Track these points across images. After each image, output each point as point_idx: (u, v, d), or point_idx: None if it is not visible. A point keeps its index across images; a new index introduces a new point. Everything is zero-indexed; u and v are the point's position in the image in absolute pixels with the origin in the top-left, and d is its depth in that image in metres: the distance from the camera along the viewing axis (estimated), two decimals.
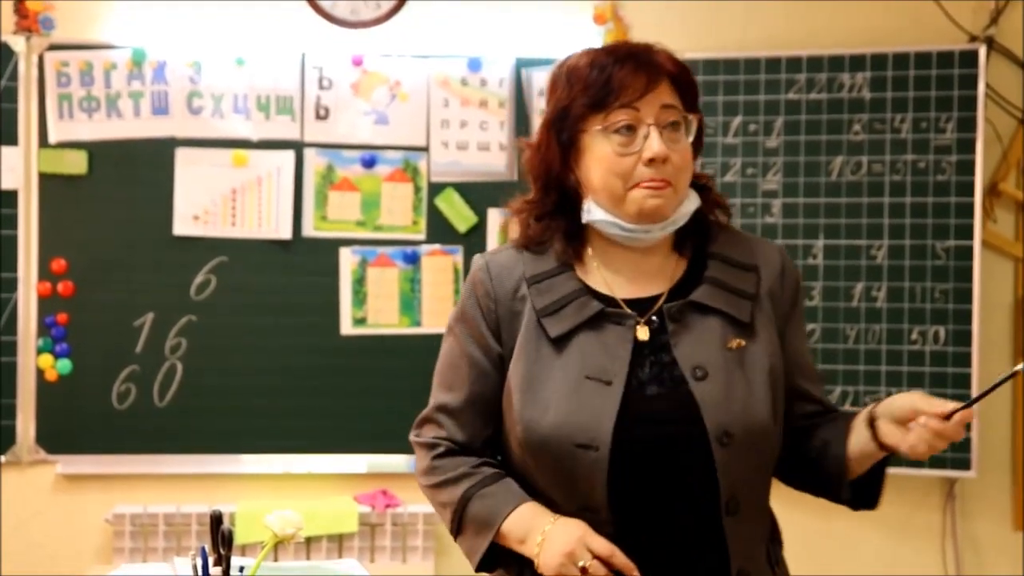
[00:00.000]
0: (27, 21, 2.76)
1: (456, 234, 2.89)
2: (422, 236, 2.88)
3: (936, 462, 2.89)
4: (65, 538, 2.83)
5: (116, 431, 2.83)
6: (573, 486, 1.38)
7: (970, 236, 2.85)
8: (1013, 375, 1.31)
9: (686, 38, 2.90)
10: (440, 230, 2.89)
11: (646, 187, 1.38)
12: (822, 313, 2.93)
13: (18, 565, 2.75)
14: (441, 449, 1.47)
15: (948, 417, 1.28)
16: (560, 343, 1.41)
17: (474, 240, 2.92)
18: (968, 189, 2.85)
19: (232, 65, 2.81)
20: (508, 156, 2.88)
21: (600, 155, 1.40)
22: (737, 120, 2.95)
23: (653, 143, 1.37)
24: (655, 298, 1.44)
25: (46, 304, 2.78)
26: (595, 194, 1.42)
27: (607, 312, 1.42)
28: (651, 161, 1.37)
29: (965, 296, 2.86)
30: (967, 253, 2.85)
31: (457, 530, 1.45)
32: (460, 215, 2.85)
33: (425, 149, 2.87)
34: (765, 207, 2.94)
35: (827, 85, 2.93)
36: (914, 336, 2.90)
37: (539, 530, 1.37)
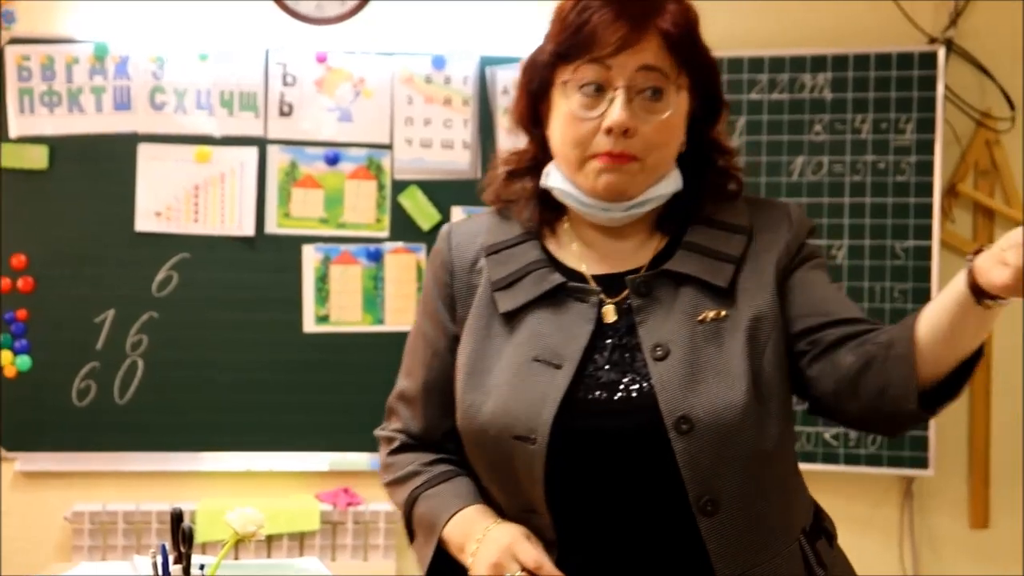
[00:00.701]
0: None
1: (420, 232, 2.88)
2: (385, 234, 2.87)
3: (894, 461, 2.96)
4: (24, 536, 2.81)
5: (76, 428, 2.80)
6: (513, 482, 1.24)
7: (929, 236, 2.87)
8: None
9: None
10: (404, 228, 2.88)
11: (603, 160, 1.21)
12: None
13: None
14: (396, 443, 1.34)
15: None
16: (512, 319, 1.26)
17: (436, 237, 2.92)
18: (927, 190, 2.87)
19: (196, 60, 2.80)
20: (472, 154, 2.88)
21: (562, 114, 1.24)
22: None
23: (615, 110, 1.19)
24: (630, 274, 1.27)
25: (5, 300, 2.75)
26: (556, 158, 1.27)
27: (569, 286, 1.26)
28: (610, 131, 1.20)
29: (924, 296, 2.87)
30: (926, 253, 2.87)
31: (410, 535, 1.33)
32: (424, 213, 2.85)
33: (389, 147, 2.86)
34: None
35: (789, 85, 2.94)
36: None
37: (474, 537, 1.23)
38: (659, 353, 1.19)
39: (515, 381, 1.21)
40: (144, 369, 2.78)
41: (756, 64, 2.92)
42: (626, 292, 1.24)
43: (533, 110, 1.27)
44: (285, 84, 2.82)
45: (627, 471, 1.19)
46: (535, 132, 1.28)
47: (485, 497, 1.29)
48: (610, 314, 1.24)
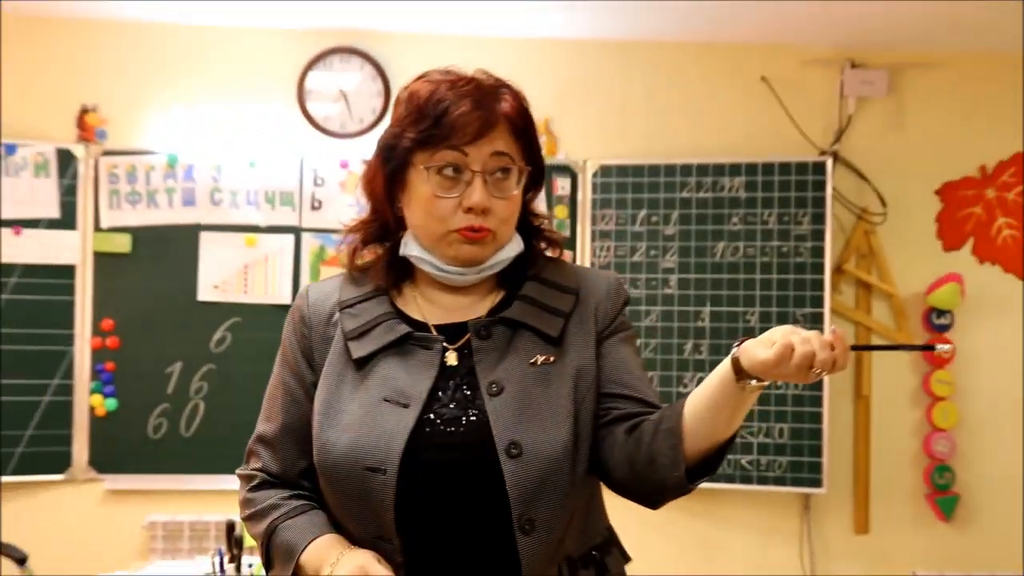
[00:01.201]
0: (86, 133, 3.45)
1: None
2: None
3: (796, 482, 3.54)
4: (110, 541, 3.44)
5: (151, 456, 3.45)
6: (365, 512, 1.30)
7: (821, 305, 3.49)
8: (919, 348, 1.34)
9: (605, 147, 3.62)
10: None
11: (464, 235, 1.31)
12: (708, 365, 3.61)
13: (73, 564, 3.36)
14: (256, 481, 1.40)
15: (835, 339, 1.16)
16: (363, 366, 1.34)
17: None
18: (819, 269, 3.50)
19: (246, 167, 3.49)
20: None
21: (422, 194, 1.32)
22: (643, 212, 3.59)
23: (475, 192, 1.30)
24: (469, 322, 1.36)
25: (97, 355, 3.43)
26: (414, 229, 1.36)
27: (414, 335, 1.35)
28: (470, 210, 1.30)
29: None
30: (819, 318, 3.50)
31: (267, 563, 1.39)
32: None
33: None
34: (664, 281, 3.59)
35: (711, 186, 3.57)
36: (775, 387, 3.60)
37: (329, 562, 1.28)
38: (494, 389, 1.29)
39: (367, 419, 1.29)
40: (204, 409, 3.44)
41: (686, 169, 3.57)
42: (467, 337, 1.34)
43: (389, 186, 1.35)
44: (316, 185, 3.50)
45: (464, 496, 1.28)
46: (387, 205, 1.36)
47: (338, 529, 1.35)
48: (452, 358, 1.34)
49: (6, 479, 3.37)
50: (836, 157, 3.60)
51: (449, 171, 1.30)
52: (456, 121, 1.28)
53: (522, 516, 1.26)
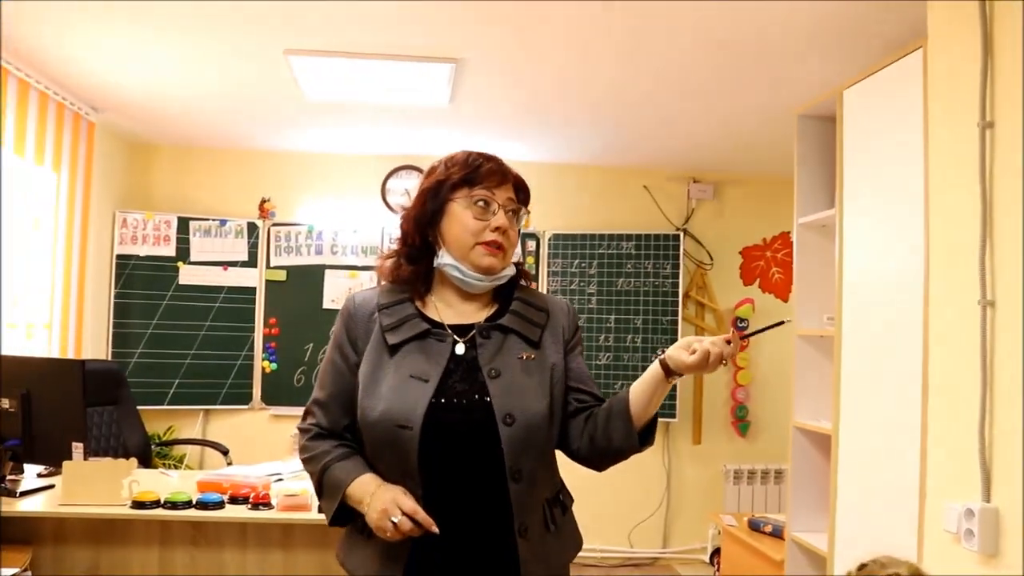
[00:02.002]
0: (264, 212, 5.90)
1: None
2: None
3: (661, 415, 5.91)
4: (273, 443, 5.62)
5: (295, 395, 5.71)
6: (394, 457, 1.63)
7: (677, 315, 5.83)
8: (776, 325, 1.74)
9: (555, 223, 5.94)
10: None
11: (487, 248, 1.69)
12: (612, 348, 5.91)
13: (252, 455, 4.97)
14: (312, 433, 1.75)
15: (728, 342, 1.60)
16: (395, 351, 1.68)
17: None
18: (676, 295, 5.79)
19: (351, 232, 5.89)
20: None
21: (461, 217, 1.71)
22: (576, 260, 5.89)
23: (500, 218, 1.71)
24: (473, 325, 1.73)
25: (267, 338, 5.81)
26: (448, 246, 1.72)
27: (431, 331, 1.70)
28: (496, 229, 1.69)
29: (674, 340, 5.19)
30: (676, 323, 5.84)
31: (320, 494, 1.71)
32: None
33: None
34: (588, 300, 5.89)
35: (616, 247, 5.87)
36: (650, 361, 5.77)
37: (369, 493, 1.62)
38: (493, 374, 1.65)
39: (398, 390, 1.64)
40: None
41: (602, 236, 5.91)
42: (473, 334, 1.70)
43: (429, 217, 1.75)
44: (390, 242, 5.98)
45: (470, 450, 1.63)
46: (423, 232, 1.75)
47: (373, 469, 1.69)
48: (460, 348, 1.69)
49: (216, 407, 5.82)
50: (686, 232, 5.99)
51: (482, 203, 1.70)
52: (489, 171, 1.73)
53: (512, 467, 1.60)
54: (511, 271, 1.83)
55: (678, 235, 5.93)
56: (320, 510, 1.86)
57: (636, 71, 3.95)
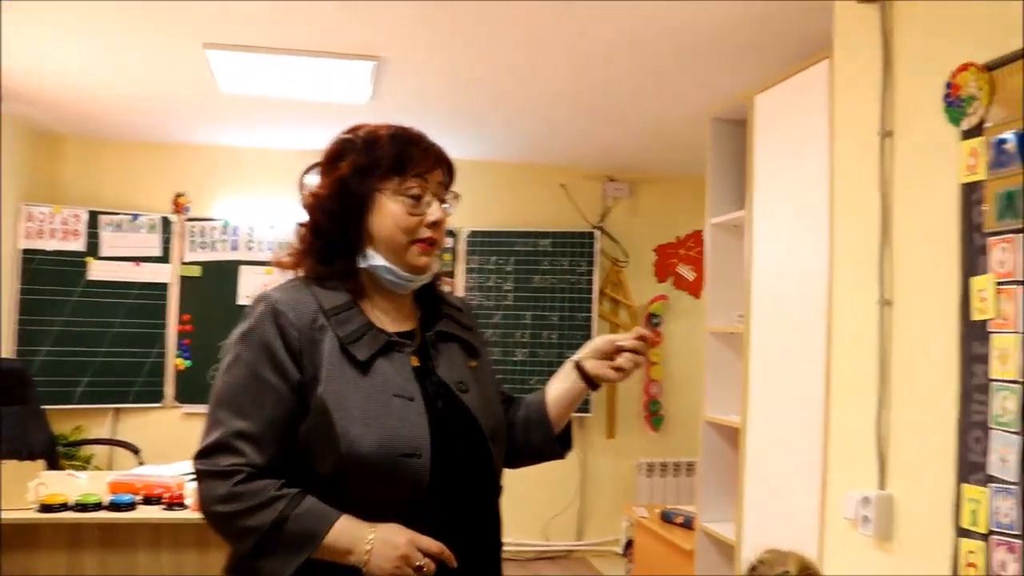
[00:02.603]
0: (178, 207, 5.83)
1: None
2: None
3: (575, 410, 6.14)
4: (185, 442, 5.61)
5: (207, 392, 5.78)
6: (397, 493, 1.41)
7: (591, 311, 5.99)
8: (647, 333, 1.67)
9: (473, 220, 6.00)
10: None
11: (422, 246, 1.53)
12: (529, 344, 6.05)
13: (164, 455, 5.61)
14: (242, 475, 1.38)
15: (639, 339, 1.59)
16: (364, 367, 1.44)
17: None
18: (591, 291, 5.96)
19: (267, 228, 5.88)
20: None
21: (391, 212, 1.50)
22: (494, 258, 6.02)
23: (436, 210, 1.53)
24: (411, 332, 1.55)
25: (181, 335, 5.77)
26: (376, 244, 1.52)
27: (392, 342, 1.50)
28: (432, 224, 1.52)
29: (588, 337, 5.69)
30: (590, 319, 6.00)
31: (269, 549, 1.38)
32: None
33: None
34: (504, 296, 6.03)
35: (533, 244, 6.01)
36: (566, 357, 6.03)
37: (364, 539, 1.37)
38: (463, 388, 1.54)
39: (387, 412, 1.42)
40: None
41: (518, 234, 6.03)
42: (418, 343, 1.55)
43: (354, 210, 1.52)
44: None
45: (470, 473, 1.51)
46: (345, 226, 1.52)
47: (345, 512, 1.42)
48: (415, 360, 1.53)
49: (127, 406, 5.73)
50: (601, 230, 6.16)
51: (414, 195, 1.51)
52: (419, 156, 1.54)
53: (499, 485, 1.58)
54: (437, 266, 1.65)
55: (593, 233, 6.07)
56: (240, 569, 1.49)
57: (553, 71, 4.03)
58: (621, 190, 6.25)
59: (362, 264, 1.54)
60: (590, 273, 6.04)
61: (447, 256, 6.10)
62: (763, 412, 3.28)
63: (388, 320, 1.56)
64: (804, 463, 2.93)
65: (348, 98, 4.49)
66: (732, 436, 3.69)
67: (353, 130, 1.62)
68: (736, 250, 3.69)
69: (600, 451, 6.25)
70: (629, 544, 4.97)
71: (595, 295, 6.02)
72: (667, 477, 6.10)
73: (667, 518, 4.34)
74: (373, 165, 1.54)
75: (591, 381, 1.68)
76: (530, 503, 6.09)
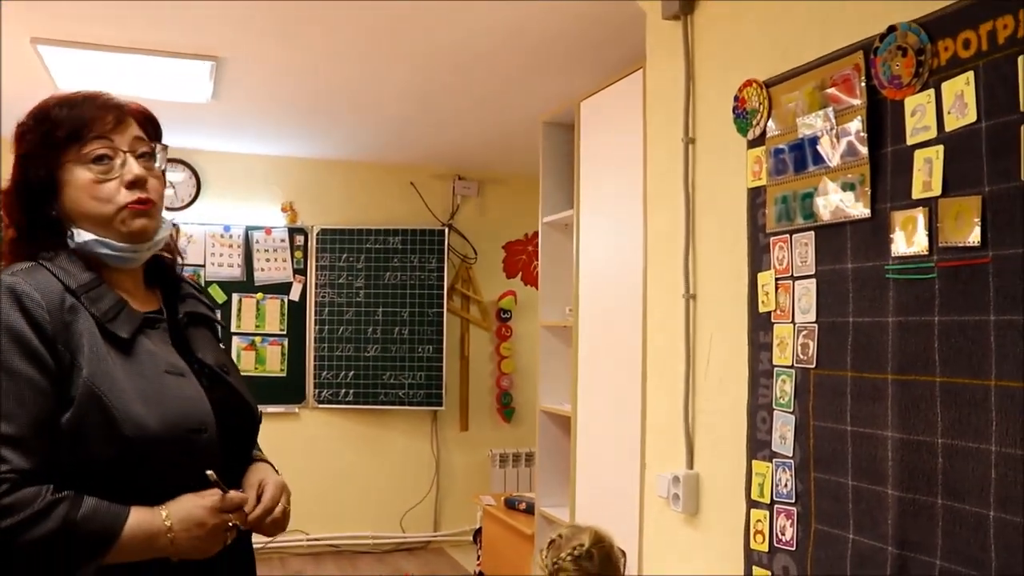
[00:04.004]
0: None
1: (218, 304, 5.95)
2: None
3: (428, 403, 5.95)
4: None
5: None
6: (185, 473, 1.35)
7: (442, 307, 6.10)
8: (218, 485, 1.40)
9: (323, 218, 6.05)
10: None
11: (133, 207, 1.39)
12: (382, 343, 6.04)
13: None
14: (7, 485, 1.24)
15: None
16: (127, 346, 1.36)
17: (225, 307, 5.89)
18: (441, 287, 6.07)
19: None
20: (241, 270, 6.10)
21: (81, 184, 1.38)
22: (344, 255, 6.04)
23: (133, 167, 1.40)
24: (158, 312, 1.47)
25: None
26: (80, 221, 1.39)
27: (149, 318, 1.43)
28: (132, 184, 1.38)
29: (439, 333, 6.08)
30: (441, 315, 6.12)
31: (48, 567, 1.26)
32: (219, 296, 6.04)
33: (203, 265, 6.01)
34: (355, 294, 6.06)
35: (383, 241, 6.06)
36: (417, 352, 6.07)
37: (160, 526, 1.31)
38: (225, 370, 1.51)
39: (163, 390, 1.35)
40: None
41: (369, 231, 6.10)
42: (165, 321, 1.47)
43: (43, 192, 1.39)
44: None
45: (240, 451, 1.53)
46: (41, 209, 1.39)
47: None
48: (168, 339, 1.46)
49: None
50: (451, 227, 6.31)
51: (102, 159, 1.39)
52: (95, 114, 1.41)
53: (253, 448, 1.61)
54: (166, 231, 1.51)
55: (443, 230, 6.20)
56: None
57: (396, 73, 4.13)
58: (470, 189, 6.40)
59: (71, 244, 1.41)
60: (441, 270, 6.15)
61: (297, 253, 6.12)
62: (590, 401, 3.48)
63: (132, 300, 1.45)
64: (626, 447, 3.14)
65: (189, 97, 4.47)
66: (566, 424, 3.89)
67: (26, 117, 1.47)
68: (567, 248, 3.89)
69: (454, 444, 6.41)
70: (479, 532, 5.13)
71: (445, 291, 6.15)
72: (519, 467, 6.29)
73: (511, 505, 4.52)
74: (47, 139, 1.41)
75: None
76: (387, 496, 6.20)
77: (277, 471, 1.61)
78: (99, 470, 1.31)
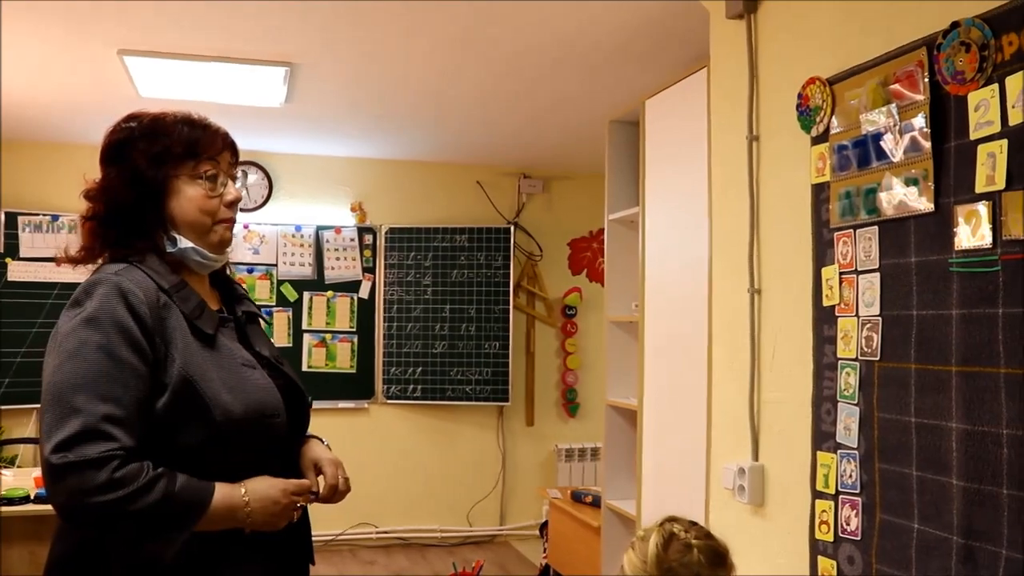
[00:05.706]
0: None
1: (289, 302, 6.15)
2: (273, 303, 6.17)
3: (495, 399, 6.05)
4: None
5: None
6: (258, 454, 1.53)
7: (508, 304, 6.17)
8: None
9: (392, 218, 6.16)
10: (283, 301, 6.16)
11: (225, 225, 1.60)
12: (449, 339, 6.14)
13: None
14: (118, 460, 1.36)
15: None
16: (211, 340, 1.52)
17: (296, 305, 6.11)
18: (507, 284, 6.14)
19: None
20: (312, 269, 6.27)
21: (192, 196, 1.55)
22: (412, 253, 6.17)
23: (232, 189, 1.59)
24: (221, 311, 1.63)
25: None
26: (180, 228, 1.55)
27: (223, 318, 1.60)
28: (231, 203, 1.58)
29: (505, 329, 6.18)
30: (507, 312, 6.17)
31: (147, 534, 1.40)
32: (291, 294, 6.24)
33: (275, 265, 6.20)
34: (424, 291, 6.18)
35: (450, 240, 6.16)
36: (484, 349, 6.17)
37: (240, 500, 1.46)
38: (280, 361, 1.68)
39: (243, 381, 1.52)
40: None
41: (436, 230, 6.20)
42: (231, 320, 1.64)
43: (151, 197, 1.53)
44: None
45: (296, 427, 1.68)
46: (141, 213, 1.53)
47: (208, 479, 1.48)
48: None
49: None
50: (516, 225, 6.39)
51: (211, 177, 1.56)
52: (208, 139, 1.57)
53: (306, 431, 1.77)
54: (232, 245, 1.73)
55: (509, 228, 6.27)
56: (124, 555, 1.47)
57: (466, 75, 4.22)
58: (535, 186, 6.47)
59: (170, 249, 1.57)
60: (506, 267, 6.22)
61: (366, 252, 6.25)
62: (657, 394, 3.53)
63: (205, 301, 1.61)
64: (692, 439, 3.19)
65: (263, 101, 4.61)
66: (632, 418, 3.95)
67: (134, 118, 1.62)
68: (633, 244, 3.94)
69: (520, 438, 6.49)
70: (544, 525, 5.21)
71: (511, 288, 6.22)
72: (585, 461, 6.33)
73: (577, 498, 4.59)
74: (166, 152, 1.56)
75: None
76: (454, 490, 6.30)
77: (328, 445, 1.79)
78: (180, 453, 1.47)
